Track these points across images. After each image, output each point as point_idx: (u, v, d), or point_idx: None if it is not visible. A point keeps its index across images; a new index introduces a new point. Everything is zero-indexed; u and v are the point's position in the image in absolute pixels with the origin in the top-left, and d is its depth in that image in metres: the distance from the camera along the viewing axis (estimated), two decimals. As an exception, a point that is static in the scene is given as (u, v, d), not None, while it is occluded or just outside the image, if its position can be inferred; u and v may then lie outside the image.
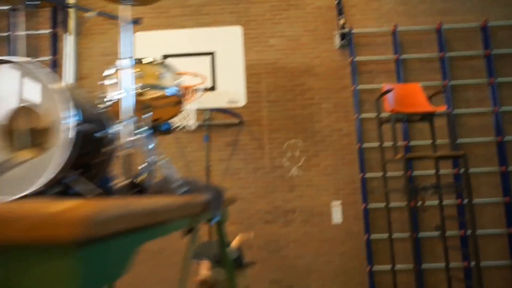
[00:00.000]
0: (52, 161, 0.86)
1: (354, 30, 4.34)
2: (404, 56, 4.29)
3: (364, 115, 4.25)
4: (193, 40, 3.48)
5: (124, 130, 1.20)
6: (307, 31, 4.40)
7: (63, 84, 1.00)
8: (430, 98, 3.44)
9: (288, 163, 4.27)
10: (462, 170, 4.01)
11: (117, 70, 1.48)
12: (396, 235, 3.89)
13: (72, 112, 0.92)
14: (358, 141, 4.22)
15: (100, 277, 0.61)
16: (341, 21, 4.27)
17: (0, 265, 0.53)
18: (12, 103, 0.99)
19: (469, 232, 3.96)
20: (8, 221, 0.50)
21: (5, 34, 4.44)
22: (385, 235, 4.08)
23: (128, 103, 1.29)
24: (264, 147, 4.32)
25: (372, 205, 4.15)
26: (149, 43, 3.46)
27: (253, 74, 4.23)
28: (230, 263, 2.01)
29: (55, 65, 4.37)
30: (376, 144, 4.20)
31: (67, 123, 0.90)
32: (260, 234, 4.11)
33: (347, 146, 4.27)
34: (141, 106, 1.53)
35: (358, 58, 4.30)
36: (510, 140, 4.14)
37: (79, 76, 4.42)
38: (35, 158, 0.91)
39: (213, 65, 3.42)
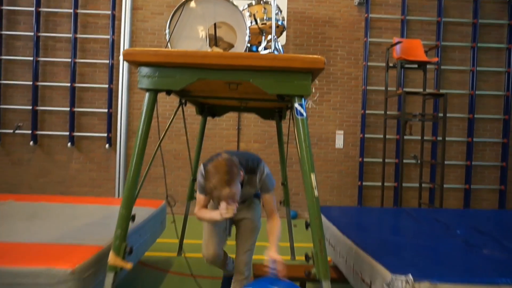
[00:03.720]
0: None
1: (372, -10, 5.17)
2: (409, 17, 5.20)
3: (370, 63, 5.23)
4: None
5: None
6: (332, -13, 5.20)
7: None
8: (426, 52, 4.45)
9: (305, 97, 5.26)
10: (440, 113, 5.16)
11: (249, 5, 2.39)
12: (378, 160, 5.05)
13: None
14: (363, 84, 5.24)
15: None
16: (362, -19, 5.08)
17: (285, 80, 1.53)
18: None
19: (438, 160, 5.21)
20: (285, 60, 1.50)
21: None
22: (374, 159, 5.27)
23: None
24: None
25: (367, 136, 5.28)
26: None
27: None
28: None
29: (116, -5, 5.03)
30: (376, 87, 5.24)
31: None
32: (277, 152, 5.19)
33: (353, 87, 5.29)
34: (259, 31, 2.46)
35: (372, 15, 5.18)
36: (479, 94, 5.27)
37: (134, 7, 5.11)
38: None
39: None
